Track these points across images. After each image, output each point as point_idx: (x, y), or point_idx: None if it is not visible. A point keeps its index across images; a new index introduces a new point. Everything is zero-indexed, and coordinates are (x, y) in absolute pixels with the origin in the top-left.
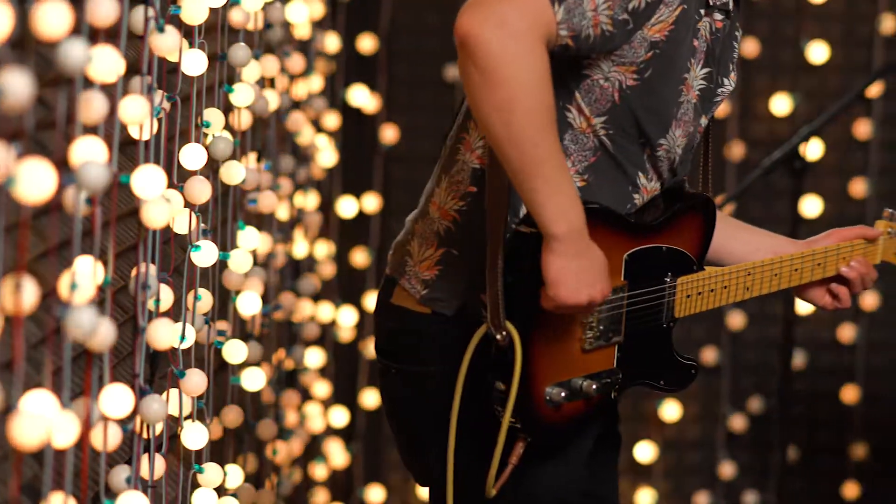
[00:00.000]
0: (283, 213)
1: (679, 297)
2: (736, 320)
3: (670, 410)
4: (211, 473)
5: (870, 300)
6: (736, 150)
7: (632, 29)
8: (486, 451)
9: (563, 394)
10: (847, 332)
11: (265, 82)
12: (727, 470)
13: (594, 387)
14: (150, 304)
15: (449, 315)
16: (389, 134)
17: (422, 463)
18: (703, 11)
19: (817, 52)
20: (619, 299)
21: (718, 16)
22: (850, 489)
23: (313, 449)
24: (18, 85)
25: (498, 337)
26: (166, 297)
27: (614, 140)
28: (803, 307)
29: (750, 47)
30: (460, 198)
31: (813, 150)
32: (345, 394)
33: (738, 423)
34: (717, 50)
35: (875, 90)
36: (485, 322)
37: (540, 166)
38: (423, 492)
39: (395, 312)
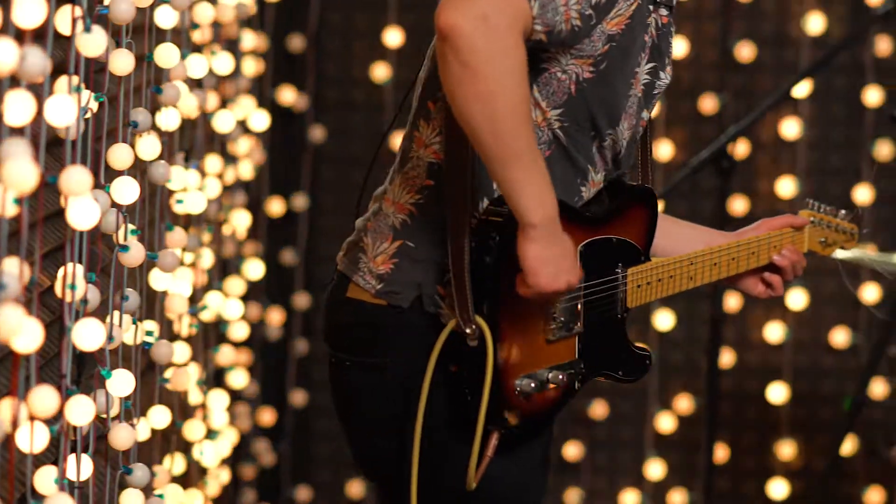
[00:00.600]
0: (211, 214)
1: (630, 287)
2: (664, 320)
3: (599, 409)
4: (138, 474)
5: (796, 300)
6: (663, 150)
7: (594, 24)
8: (449, 444)
9: (532, 385)
10: (774, 332)
11: (193, 82)
12: (655, 469)
13: (560, 377)
14: (77, 305)
15: (405, 307)
16: (318, 133)
17: (374, 456)
18: (651, 7)
19: (745, 51)
20: (577, 289)
21: (664, 11)
22: (777, 488)
23: (241, 449)
24: None
25: (468, 331)
26: (93, 297)
27: (568, 133)
28: (730, 306)
29: (677, 46)
30: (416, 191)
31: (740, 149)
32: (273, 393)
33: (665, 422)
34: (663, 45)
35: (803, 90)
36: (448, 316)
37: (519, 157)
38: (353, 490)
39: (349, 306)
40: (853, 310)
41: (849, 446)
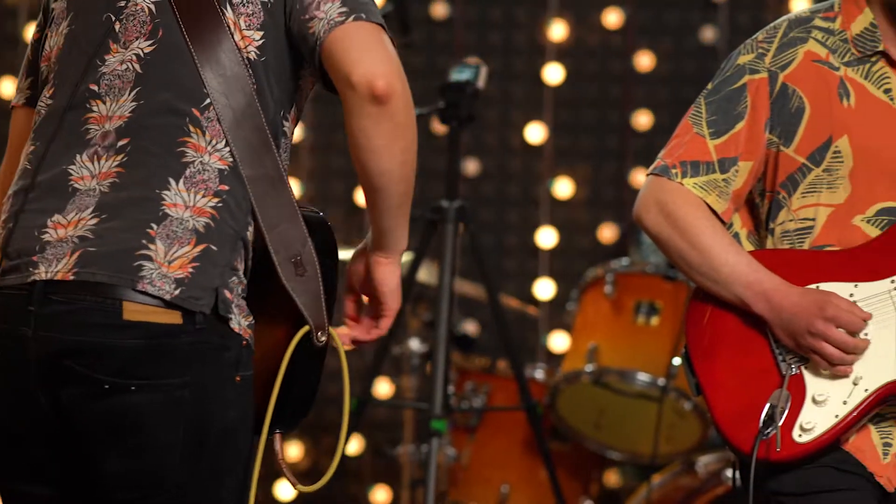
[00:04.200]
0: None
1: None
2: None
3: None
4: None
5: None
6: None
7: None
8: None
9: None
10: None
11: None
12: None
13: None
14: None
15: (206, 314)
16: None
17: (155, 483)
18: None
19: None
20: None
21: None
22: (285, 490)
23: None
24: None
25: (323, 338)
26: None
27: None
28: None
29: None
30: (213, 195)
31: None
32: None
33: None
34: None
35: None
36: (238, 320)
37: (410, 197)
38: None
39: (134, 330)
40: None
41: (354, 446)
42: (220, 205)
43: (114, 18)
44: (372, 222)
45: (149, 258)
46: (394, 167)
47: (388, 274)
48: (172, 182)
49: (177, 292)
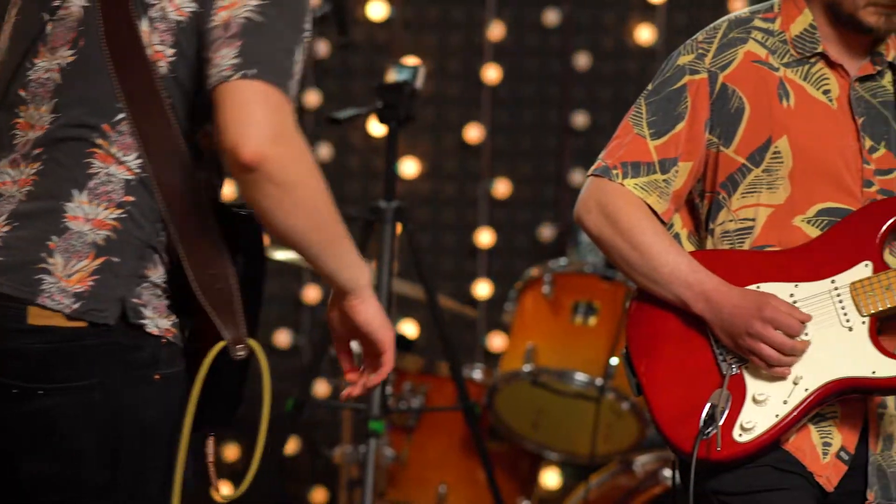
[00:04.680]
0: None
1: None
2: None
3: None
4: None
5: None
6: None
7: None
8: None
9: None
10: None
11: None
12: None
13: None
14: None
15: (111, 324)
16: None
17: (72, 491)
18: None
19: None
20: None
21: None
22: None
23: None
24: None
25: (241, 352)
26: None
27: None
28: None
29: None
30: (116, 206)
31: None
32: None
33: None
34: None
35: None
36: (153, 324)
37: (338, 235)
38: None
39: (39, 335)
40: (295, 311)
41: (292, 446)
42: (123, 216)
43: (47, 18)
44: (316, 272)
45: (48, 272)
46: (295, 223)
47: (369, 313)
48: (75, 193)
49: (76, 306)
